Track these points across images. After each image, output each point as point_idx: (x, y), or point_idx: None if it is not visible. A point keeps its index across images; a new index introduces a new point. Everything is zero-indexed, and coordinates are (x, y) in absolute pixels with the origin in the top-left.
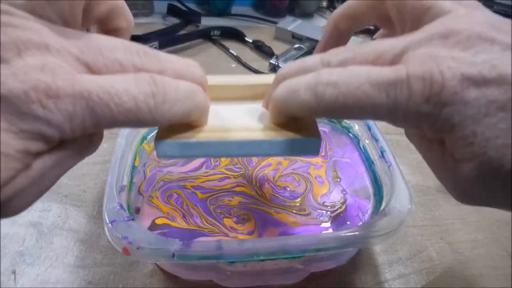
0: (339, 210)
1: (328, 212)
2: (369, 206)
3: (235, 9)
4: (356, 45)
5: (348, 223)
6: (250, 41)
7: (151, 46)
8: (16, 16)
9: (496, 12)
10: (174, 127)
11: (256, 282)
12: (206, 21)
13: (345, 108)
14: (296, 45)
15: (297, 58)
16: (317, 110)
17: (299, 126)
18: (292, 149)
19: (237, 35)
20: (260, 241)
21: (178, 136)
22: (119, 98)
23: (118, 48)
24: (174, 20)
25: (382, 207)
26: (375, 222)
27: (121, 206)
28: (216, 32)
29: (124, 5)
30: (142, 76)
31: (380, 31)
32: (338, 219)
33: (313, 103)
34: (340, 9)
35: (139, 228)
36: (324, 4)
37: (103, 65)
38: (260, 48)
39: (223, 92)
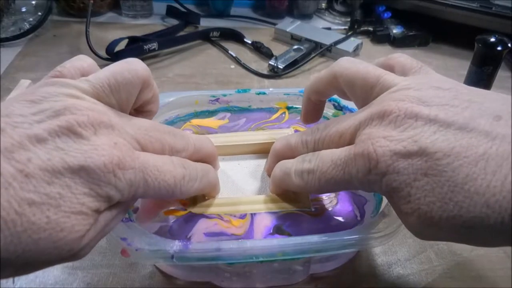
0: (330, 203)
1: (318, 205)
2: (366, 202)
3: (234, 10)
4: (325, 123)
5: (341, 218)
6: (249, 42)
7: (150, 47)
8: (87, 100)
9: (495, 13)
10: (196, 199)
11: (255, 283)
12: (205, 22)
13: (322, 187)
14: (295, 46)
15: (296, 59)
16: (306, 189)
17: (295, 196)
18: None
19: (236, 36)
20: (260, 242)
21: (202, 210)
22: (164, 175)
23: (158, 129)
24: (173, 21)
25: (381, 208)
26: (374, 224)
27: None
28: (215, 33)
29: (158, 93)
30: (176, 160)
31: None
32: (329, 212)
33: (302, 185)
34: (308, 85)
35: (138, 229)
36: (323, 5)
37: (149, 142)
38: (259, 49)
39: (229, 149)
